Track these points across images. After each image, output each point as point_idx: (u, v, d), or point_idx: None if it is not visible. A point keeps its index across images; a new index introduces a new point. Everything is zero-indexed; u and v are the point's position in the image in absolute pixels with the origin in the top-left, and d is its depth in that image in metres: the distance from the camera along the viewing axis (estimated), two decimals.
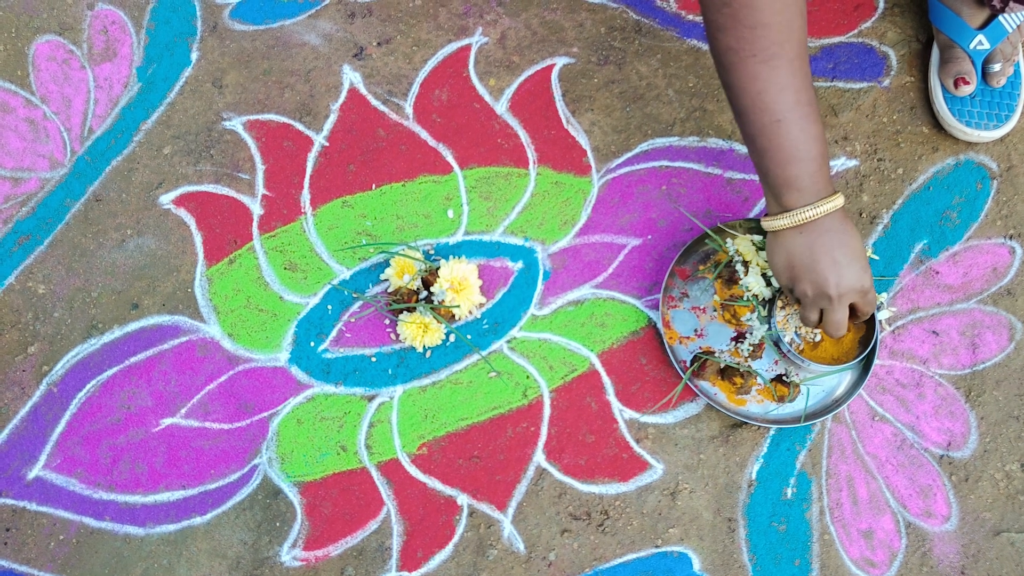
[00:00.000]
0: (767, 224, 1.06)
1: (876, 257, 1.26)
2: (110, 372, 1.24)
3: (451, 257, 1.26)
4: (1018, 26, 1.26)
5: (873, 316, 1.18)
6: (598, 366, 1.23)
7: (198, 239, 1.29)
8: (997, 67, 1.27)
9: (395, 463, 1.20)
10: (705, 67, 1.34)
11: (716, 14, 0.97)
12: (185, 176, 1.32)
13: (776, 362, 1.22)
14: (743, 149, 1.31)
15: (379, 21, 1.38)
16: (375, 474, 1.19)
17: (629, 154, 1.31)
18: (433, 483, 1.19)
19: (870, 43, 1.36)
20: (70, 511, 1.19)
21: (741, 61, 0.98)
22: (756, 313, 1.22)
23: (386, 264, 1.26)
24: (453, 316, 1.23)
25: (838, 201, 1.03)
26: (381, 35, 1.37)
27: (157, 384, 1.23)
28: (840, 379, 1.21)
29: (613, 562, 1.17)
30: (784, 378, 1.20)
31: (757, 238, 1.24)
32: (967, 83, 1.26)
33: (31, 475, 1.21)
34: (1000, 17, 1.24)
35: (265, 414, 1.22)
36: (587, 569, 1.17)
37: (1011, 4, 1.20)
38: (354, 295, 1.26)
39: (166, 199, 1.31)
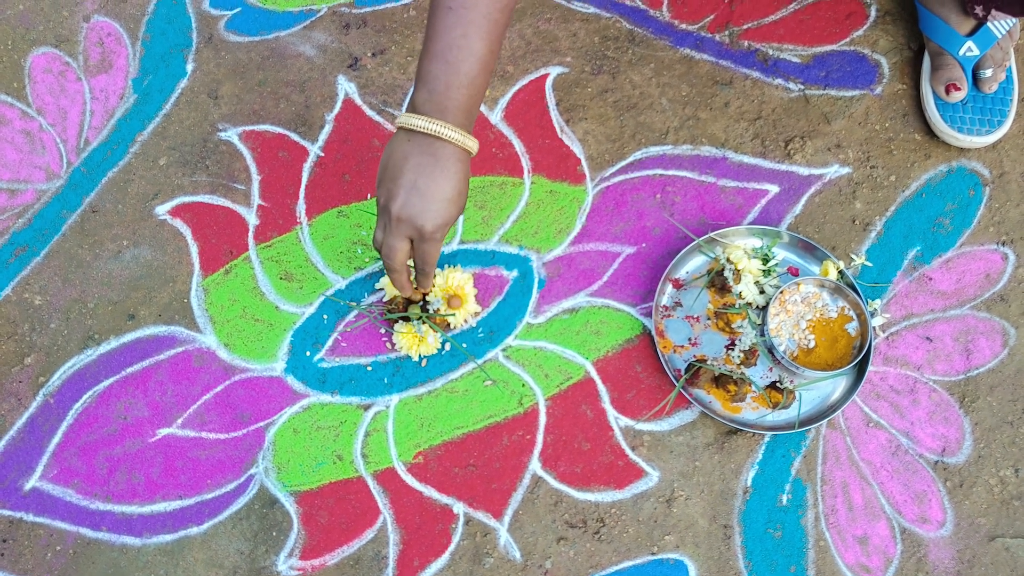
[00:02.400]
0: (397, 120, 1.03)
1: (869, 264, 1.26)
2: (106, 383, 1.24)
3: (446, 266, 1.26)
4: (1008, 32, 1.26)
5: (867, 322, 1.19)
6: (593, 374, 1.23)
7: (194, 250, 1.29)
8: (988, 73, 1.27)
9: (391, 472, 1.20)
10: (698, 76, 1.35)
11: None
12: (181, 187, 1.32)
13: (770, 369, 1.22)
14: (736, 157, 1.31)
15: (374, 32, 1.39)
16: (371, 483, 1.20)
17: (623, 163, 1.32)
18: (429, 492, 1.19)
19: (862, 51, 1.36)
20: (67, 522, 1.20)
21: None
22: (747, 319, 1.22)
23: (381, 273, 1.27)
24: (448, 325, 1.24)
25: (456, 136, 1.00)
26: (376, 46, 1.38)
27: (153, 394, 1.23)
28: (834, 385, 1.21)
29: (609, 570, 1.17)
30: (778, 385, 1.20)
31: (749, 246, 1.25)
32: (958, 89, 1.27)
33: (28, 486, 1.21)
34: (988, 24, 1.25)
35: (261, 424, 1.22)
36: None
37: (993, 12, 1.21)
38: (350, 304, 1.26)
39: (162, 210, 1.31)
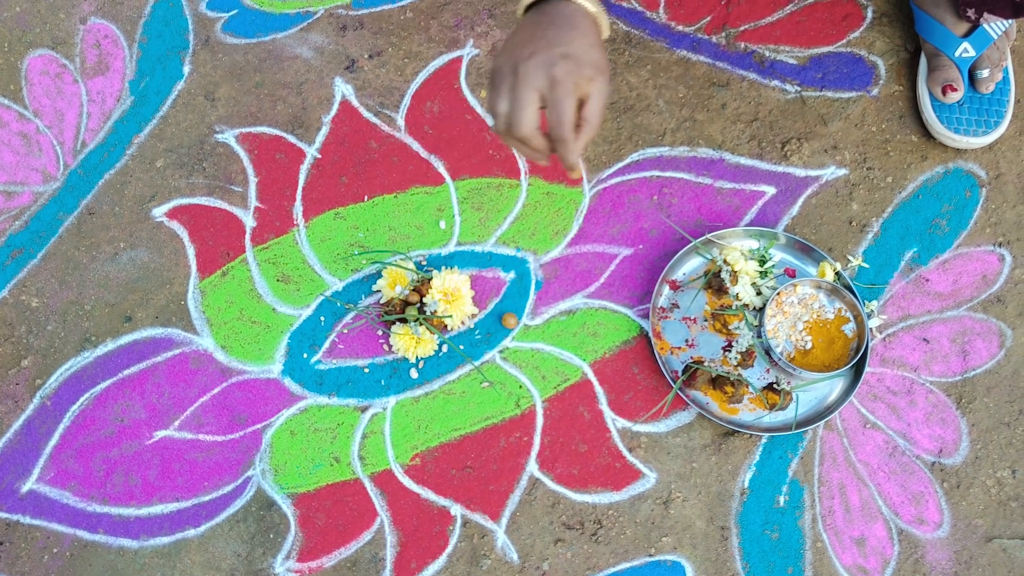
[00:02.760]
0: (517, 8, 0.99)
1: (866, 265, 1.27)
2: (103, 385, 1.24)
3: (443, 268, 1.26)
4: (1004, 32, 1.26)
5: (864, 324, 1.19)
6: (590, 375, 1.23)
7: (191, 252, 1.29)
8: (985, 73, 1.27)
9: (388, 474, 1.20)
10: (695, 77, 1.35)
11: None
12: (178, 189, 1.32)
13: (767, 370, 1.22)
14: (733, 159, 1.31)
15: (371, 34, 1.39)
16: (368, 485, 1.20)
17: (620, 164, 1.32)
18: (426, 494, 1.19)
19: (859, 53, 1.36)
20: (64, 524, 1.19)
21: None
22: (744, 321, 1.22)
23: (378, 275, 1.27)
24: (445, 327, 1.24)
25: (584, 2, 0.94)
26: (373, 48, 1.38)
27: (150, 397, 1.23)
28: (831, 387, 1.22)
29: (607, 571, 1.17)
30: (775, 386, 1.20)
31: (746, 248, 1.25)
32: (955, 90, 1.27)
33: (25, 488, 1.21)
34: (984, 25, 1.25)
35: (258, 426, 1.22)
36: None
37: (986, 15, 1.21)
38: (347, 306, 1.26)
39: (159, 212, 1.31)
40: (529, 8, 0.99)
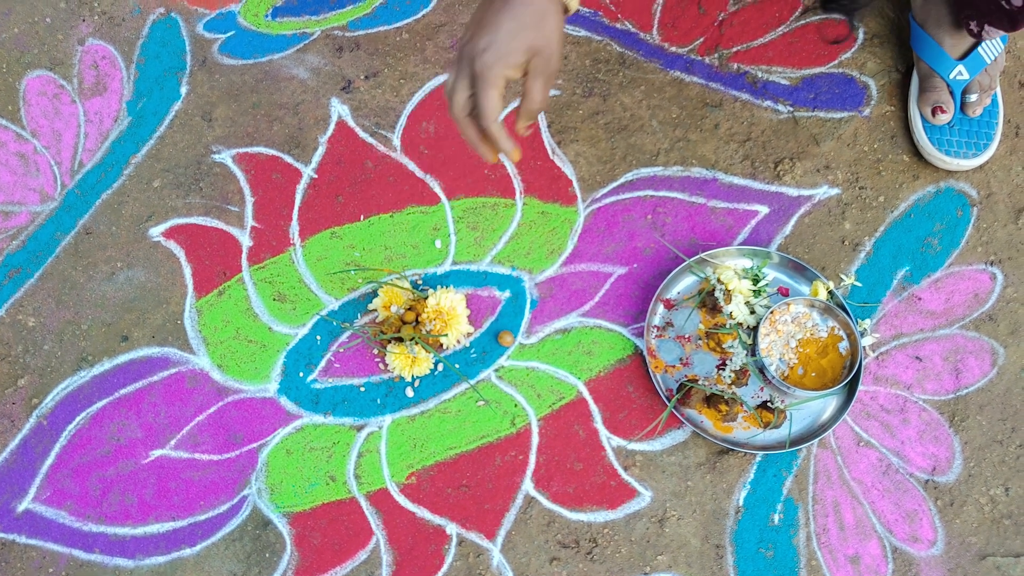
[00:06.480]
0: None
1: (859, 284, 1.27)
2: (100, 404, 1.24)
3: (439, 287, 1.27)
4: (996, 57, 1.28)
5: (857, 342, 1.19)
6: (585, 394, 1.24)
7: (187, 271, 1.30)
8: (974, 97, 1.29)
9: (384, 493, 1.20)
10: (688, 98, 1.36)
11: None
12: (175, 209, 1.33)
13: (761, 389, 1.23)
14: (727, 179, 1.32)
15: (367, 55, 1.40)
16: (364, 504, 1.20)
17: (614, 184, 1.33)
18: (422, 512, 1.19)
19: (850, 73, 1.38)
20: (60, 544, 1.19)
21: None
22: (738, 339, 1.23)
23: (374, 294, 1.27)
24: (441, 345, 1.24)
25: None
26: (368, 68, 1.39)
27: (147, 416, 1.24)
28: (825, 405, 1.22)
29: None
30: (769, 404, 1.21)
31: (739, 267, 1.26)
32: (944, 112, 1.28)
33: (21, 508, 1.21)
34: (979, 48, 1.26)
35: (254, 445, 1.22)
36: None
37: (986, 29, 1.22)
38: (343, 325, 1.27)
39: (156, 232, 1.32)
40: None
